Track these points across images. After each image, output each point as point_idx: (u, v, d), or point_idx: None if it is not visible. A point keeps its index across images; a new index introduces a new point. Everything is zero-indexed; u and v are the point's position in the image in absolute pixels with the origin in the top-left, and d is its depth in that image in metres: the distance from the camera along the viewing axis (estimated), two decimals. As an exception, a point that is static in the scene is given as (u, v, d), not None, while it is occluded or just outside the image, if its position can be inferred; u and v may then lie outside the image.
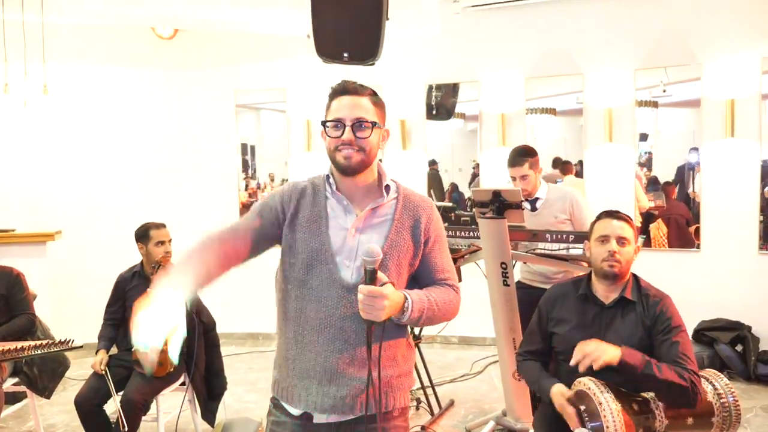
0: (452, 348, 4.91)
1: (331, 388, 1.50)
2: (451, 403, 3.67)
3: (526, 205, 3.08)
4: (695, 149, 4.41)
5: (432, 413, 3.47)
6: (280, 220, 1.57)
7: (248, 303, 4.75)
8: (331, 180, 1.58)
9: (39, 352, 2.87)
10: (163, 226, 3.08)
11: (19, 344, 2.89)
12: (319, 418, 1.54)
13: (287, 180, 5.33)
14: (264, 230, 1.56)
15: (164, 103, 5.27)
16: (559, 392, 1.99)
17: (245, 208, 5.41)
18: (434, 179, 5.09)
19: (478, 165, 5.01)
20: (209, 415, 3.11)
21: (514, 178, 3.06)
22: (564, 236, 2.77)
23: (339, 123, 1.51)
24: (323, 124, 1.55)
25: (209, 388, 3.13)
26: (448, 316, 1.58)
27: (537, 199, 3.09)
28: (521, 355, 2.26)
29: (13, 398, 3.28)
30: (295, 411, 1.55)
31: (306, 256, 1.52)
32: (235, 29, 4.96)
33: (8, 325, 3.04)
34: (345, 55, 3.62)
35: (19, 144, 4.90)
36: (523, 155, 3.03)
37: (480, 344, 4.86)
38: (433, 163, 5.10)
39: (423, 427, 3.28)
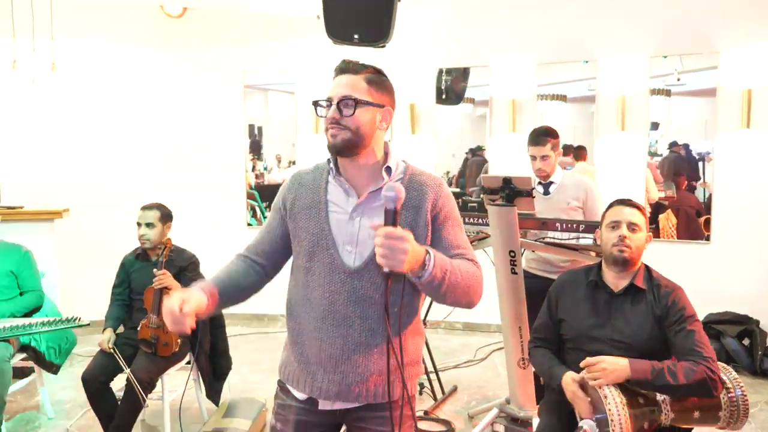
0: (456, 334, 4.92)
1: (336, 375, 1.49)
2: (455, 389, 3.68)
3: (539, 188, 3.05)
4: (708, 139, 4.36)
5: (435, 398, 3.48)
6: (285, 217, 1.58)
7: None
8: (333, 164, 1.54)
9: (47, 328, 2.90)
10: (150, 207, 3.01)
11: (28, 321, 2.92)
12: (324, 405, 1.53)
13: (294, 162, 5.30)
14: (279, 238, 1.60)
15: (172, 82, 5.24)
16: (570, 379, 1.98)
17: (252, 189, 5.40)
18: (480, 168, 4.94)
19: (471, 150, 4.97)
20: (214, 394, 3.13)
21: (534, 158, 3.02)
22: (574, 225, 2.74)
23: (329, 102, 1.48)
24: (314, 104, 1.52)
25: (214, 367, 3.14)
26: (474, 289, 1.46)
27: (551, 183, 3.06)
28: (533, 342, 2.25)
29: (21, 373, 3.31)
30: (301, 395, 1.56)
31: (307, 242, 1.51)
32: (244, 8, 4.90)
33: (17, 301, 3.06)
34: (355, 36, 3.57)
35: (26, 121, 4.89)
36: (546, 135, 2.99)
37: (484, 331, 4.86)
38: (479, 150, 4.95)
39: (426, 412, 3.29)
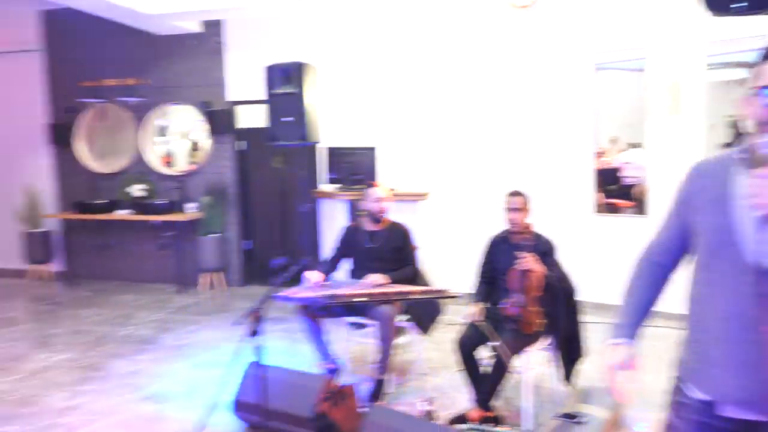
0: None
1: (746, 381, 1.39)
2: None
3: None
4: None
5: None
6: (683, 212, 1.54)
7: (603, 273, 4.74)
8: (745, 156, 1.40)
9: (422, 296, 3.43)
10: (516, 194, 3.25)
11: (408, 288, 3.50)
12: (728, 411, 1.44)
13: (637, 145, 4.98)
14: (677, 235, 1.57)
15: (523, 70, 5.31)
16: None
17: (596, 174, 5.22)
18: None
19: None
20: (568, 377, 3.25)
21: None
22: None
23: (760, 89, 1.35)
24: (758, 89, 1.38)
25: (569, 351, 3.25)
26: None
27: None
28: None
29: (401, 332, 3.98)
30: (701, 396, 1.49)
31: (708, 237, 1.44)
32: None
33: (400, 271, 3.68)
34: (736, 6, 3.17)
35: (395, 116, 5.66)
36: None
37: None
38: None
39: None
